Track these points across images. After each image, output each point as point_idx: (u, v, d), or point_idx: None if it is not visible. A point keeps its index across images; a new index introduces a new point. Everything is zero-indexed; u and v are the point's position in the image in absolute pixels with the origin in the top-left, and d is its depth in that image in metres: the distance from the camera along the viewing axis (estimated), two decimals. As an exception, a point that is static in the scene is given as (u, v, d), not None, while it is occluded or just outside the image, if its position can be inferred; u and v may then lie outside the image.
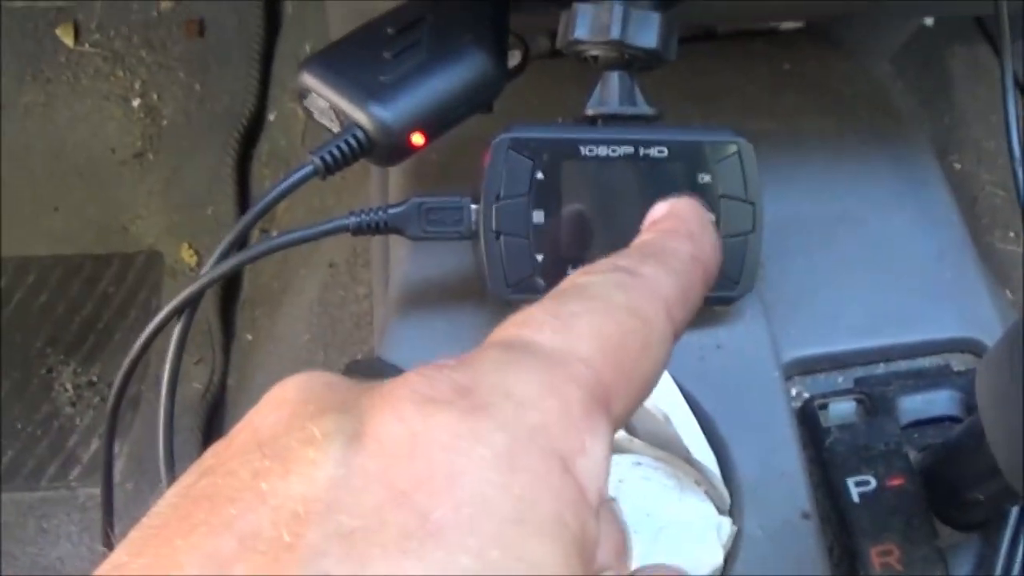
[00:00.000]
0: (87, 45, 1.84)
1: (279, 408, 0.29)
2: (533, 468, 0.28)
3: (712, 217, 0.41)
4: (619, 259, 0.36)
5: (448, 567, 0.25)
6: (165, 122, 1.79)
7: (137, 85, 1.82)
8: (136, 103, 1.80)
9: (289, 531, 0.25)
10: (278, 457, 0.27)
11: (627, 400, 0.32)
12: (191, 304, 0.70)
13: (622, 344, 0.32)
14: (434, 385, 0.29)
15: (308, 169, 0.69)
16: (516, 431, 0.28)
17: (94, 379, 1.63)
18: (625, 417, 0.33)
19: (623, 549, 0.34)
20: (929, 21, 1.21)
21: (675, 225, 0.39)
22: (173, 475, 0.71)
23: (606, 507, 0.32)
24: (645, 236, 0.39)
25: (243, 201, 1.71)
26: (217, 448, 0.29)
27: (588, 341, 0.32)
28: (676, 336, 0.35)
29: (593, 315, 0.33)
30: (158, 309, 0.70)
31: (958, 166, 1.46)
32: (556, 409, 0.29)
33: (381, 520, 0.25)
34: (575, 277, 0.35)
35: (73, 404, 1.62)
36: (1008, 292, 1.16)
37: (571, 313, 0.32)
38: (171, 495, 0.27)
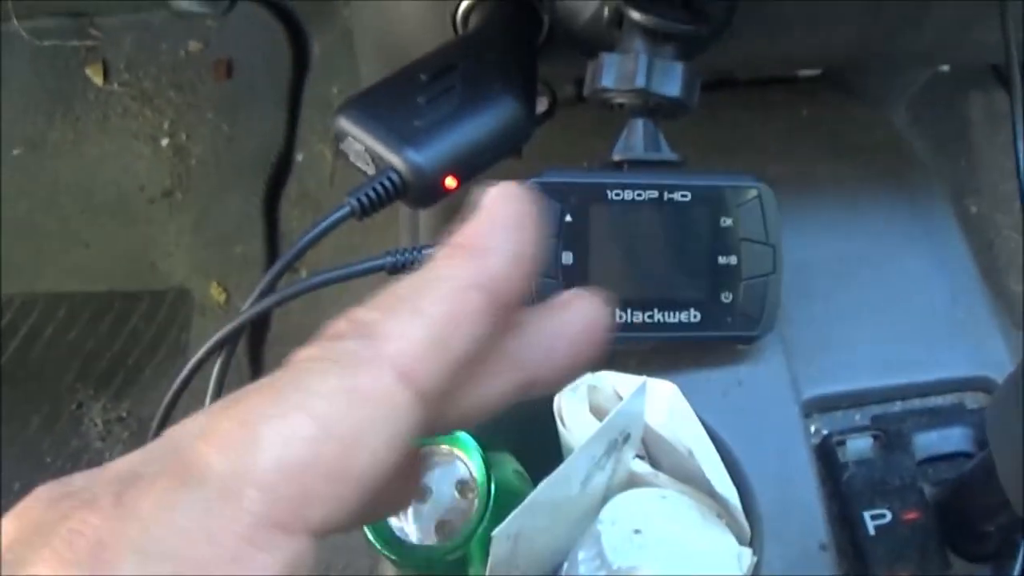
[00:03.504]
0: (116, 84, 1.88)
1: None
2: None
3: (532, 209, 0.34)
4: (364, 313, 0.32)
5: None
6: (194, 161, 1.81)
7: (166, 125, 1.84)
8: (165, 142, 1.83)
9: None
10: None
11: (338, 498, 0.29)
12: (231, 341, 0.72)
13: (316, 449, 0.28)
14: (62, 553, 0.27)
15: (345, 210, 0.70)
16: None
17: (123, 414, 1.64)
18: (345, 513, 0.29)
19: None
20: (946, 68, 1.22)
21: (467, 239, 0.33)
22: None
23: None
24: (434, 257, 0.33)
25: (272, 240, 1.73)
26: None
27: (267, 459, 0.28)
28: (428, 396, 0.31)
29: (282, 420, 0.28)
30: (188, 346, 0.70)
31: (974, 209, 1.48)
32: (208, 556, 0.26)
33: None
34: (299, 355, 0.31)
35: (103, 439, 1.63)
36: (1021, 332, 1.18)
37: (258, 417, 0.29)
38: None
